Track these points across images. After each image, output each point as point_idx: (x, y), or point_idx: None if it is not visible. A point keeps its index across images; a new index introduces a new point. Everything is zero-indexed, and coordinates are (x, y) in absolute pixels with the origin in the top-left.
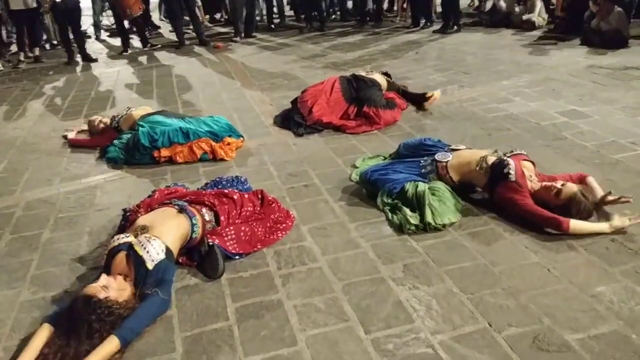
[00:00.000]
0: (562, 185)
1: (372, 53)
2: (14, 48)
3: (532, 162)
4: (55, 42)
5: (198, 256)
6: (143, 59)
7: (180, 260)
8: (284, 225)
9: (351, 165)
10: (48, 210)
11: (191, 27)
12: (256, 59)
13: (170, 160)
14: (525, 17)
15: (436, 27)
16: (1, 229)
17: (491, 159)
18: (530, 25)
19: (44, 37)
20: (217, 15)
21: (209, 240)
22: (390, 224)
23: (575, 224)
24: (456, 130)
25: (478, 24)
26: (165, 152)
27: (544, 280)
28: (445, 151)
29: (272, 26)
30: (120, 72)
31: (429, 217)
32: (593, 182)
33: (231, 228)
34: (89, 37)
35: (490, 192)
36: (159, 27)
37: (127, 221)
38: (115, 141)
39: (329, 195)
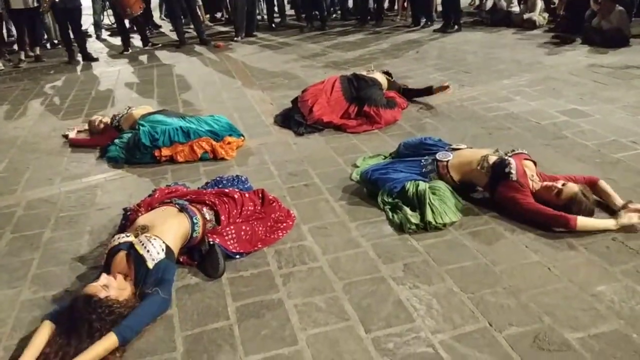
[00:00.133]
0: (563, 185)
1: (373, 52)
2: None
3: (534, 162)
4: (56, 41)
5: (199, 255)
6: (144, 58)
7: (180, 260)
8: (284, 224)
9: (352, 164)
10: (49, 210)
11: (192, 26)
12: (257, 58)
13: (171, 160)
14: (526, 16)
15: (437, 26)
16: (2, 228)
17: (492, 158)
18: (531, 24)
19: (45, 36)
20: (218, 15)
21: (210, 240)
22: (390, 223)
23: (582, 221)
24: (457, 130)
25: (479, 23)
26: (166, 152)
27: (545, 279)
28: (446, 150)
29: (273, 25)
30: (121, 72)
31: (429, 217)
32: (606, 186)
33: (232, 227)
34: (90, 36)
35: (491, 192)
36: (159, 27)
37: (128, 220)
38: (116, 140)
39: (329, 194)
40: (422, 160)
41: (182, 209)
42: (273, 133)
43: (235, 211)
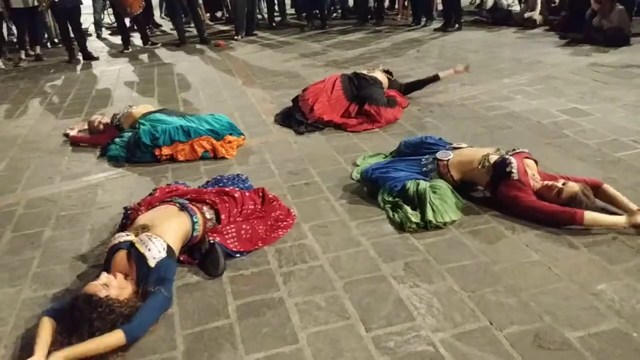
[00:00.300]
0: (564, 184)
1: (373, 51)
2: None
3: (535, 160)
4: (56, 40)
5: (199, 254)
6: (144, 57)
7: (181, 259)
8: (284, 223)
9: (352, 163)
10: (49, 208)
11: (192, 25)
12: (257, 57)
13: (172, 159)
14: (526, 14)
15: (437, 25)
16: (3, 227)
17: (493, 157)
18: (532, 23)
19: (45, 35)
20: (218, 14)
21: (210, 239)
22: (391, 222)
23: (590, 215)
24: (457, 129)
25: (479, 22)
26: (166, 150)
27: (545, 278)
28: (447, 149)
29: (273, 24)
30: (121, 71)
31: (429, 215)
32: (610, 189)
33: (232, 226)
34: (90, 35)
35: (492, 191)
36: (160, 25)
37: (129, 219)
38: (117, 139)
39: (329, 193)
40: (423, 159)
41: (182, 208)
42: (273, 132)
43: (235, 210)
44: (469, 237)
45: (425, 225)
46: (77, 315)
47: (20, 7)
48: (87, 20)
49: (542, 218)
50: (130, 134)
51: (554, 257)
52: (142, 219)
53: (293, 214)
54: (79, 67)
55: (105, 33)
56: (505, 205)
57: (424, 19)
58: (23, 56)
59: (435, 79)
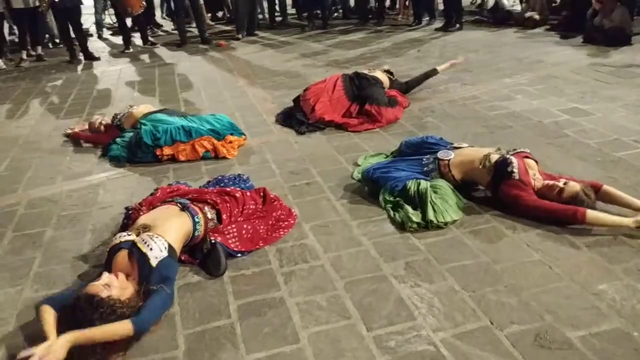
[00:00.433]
0: (565, 183)
1: (374, 51)
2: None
3: (535, 160)
4: (57, 40)
5: (200, 254)
6: (145, 57)
7: (182, 258)
8: (286, 223)
9: (353, 163)
10: (51, 208)
11: (193, 25)
12: (258, 57)
13: (173, 159)
14: (527, 14)
15: (438, 25)
16: (4, 227)
17: (494, 157)
18: (533, 23)
19: (47, 35)
20: (219, 14)
21: (211, 238)
22: (392, 222)
23: (592, 214)
24: (458, 128)
25: (480, 21)
26: (167, 151)
27: (546, 278)
28: (448, 149)
29: (274, 24)
30: (123, 71)
31: (430, 215)
32: (611, 189)
33: (233, 226)
34: (91, 35)
35: (493, 190)
36: (161, 26)
37: (130, 219)
38: (118, 139)
39: (331, 193)
40: (424, 159)
41: (183, 208)
42: (274, 132)
43: (236, 210)
44: (469, 236)
45: (426, 225)
46: (78, 316)
47: (21, 8)
48: (88, 20)
49: (544, 216)
50: (131, 134)
51: (555, 257)
52: (144, 219)
53: (294, 213)
54: (80, 67)
55: (106, 33)
56: (507, 204)
57: (427, 17)
58: (24, 56)
59: (434, 72)
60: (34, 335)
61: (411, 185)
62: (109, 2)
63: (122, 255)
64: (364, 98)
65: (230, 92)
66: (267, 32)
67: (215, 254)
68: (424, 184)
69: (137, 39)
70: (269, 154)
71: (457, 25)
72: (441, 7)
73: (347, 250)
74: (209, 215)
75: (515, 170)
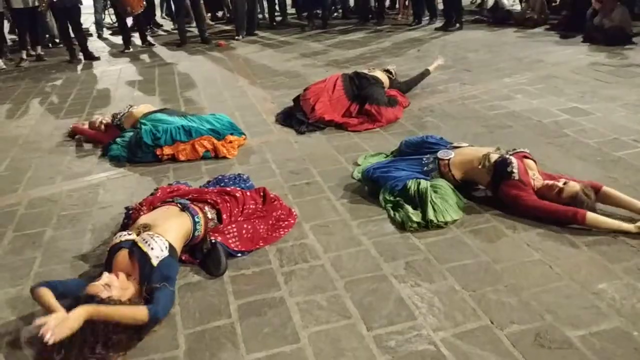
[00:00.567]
0: (564, 184)
1: (374, 51)
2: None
3: (534, 160)
4: (57, 40)
5: (200, 254)
6: (145, 57)
7: (182, 258)
8: (286, 222)
9: (353, 162)
10: (51, 208)
11: (193, 24)
12: (258, 56)
13: (173, 158)
14: (527, 14)
15: (438, 24)
16: (4, 226)
17: (494, 157)
18: (533, 22)
19: (47, 35)
20: (219, 14)
21: (212, 238)
22: (392, 222)
23: (592, 216)
24: (458, 128)
25: (480, 21)
26: (167, 150)
27: (546, 277)
28: (448, 149)
29: (274, 24)
30: (122, 70)
31: (430, 215)
32: (611, 190)
33: (233, 226)
34: (91, 35)
35: (493, 190)
36: (161, 25)
37: (130, 219)
38: (118, 139)
39: (331, 193)
40: (424, 159)
41: (183, 208)
42: (274, 132)
43: (236, 210)
44: (470, 236)
45: (426, 225)
46: None
47: (21, 7)
48: (88, 20)
49: (543, 217)
50: (131, 133)
51: (555, 256)
52: (144, 219)
53: (294, 213)
54: (79, 67)
55: (106, 33)
56: (507, 204)
57: (426, 17)
58: (24, 56)
59: (427, 72)
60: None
61: (411, 184)
62: (108, 2)
63: (123, 255)
64: (363, 98)
65: (230, 91)
66: (267, 32)
67: (215, 253)
68: (424, 183)
69: (137, 38)
70: (269, 153)
71: (457, 25)
72: (441, 6)
73: (347, 250)
74: (209, 215)
75: (515, 170)
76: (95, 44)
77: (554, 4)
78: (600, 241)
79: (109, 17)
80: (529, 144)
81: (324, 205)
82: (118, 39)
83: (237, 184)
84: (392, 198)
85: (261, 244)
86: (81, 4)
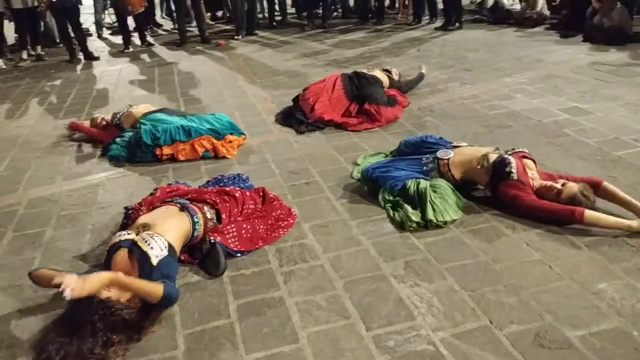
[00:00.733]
0: (563, 185)
1: (374, 50)
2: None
3: (533, 160)
4: (57, 40)
5: (200, 254)
6: (145, 56)
7: (182, 258)
8: (285, 222)
9: (353, 162)
10: (50, 208)
11: (193, 24)
12: (258, 56)
13: (172, 158)
14: (527, 13)
15: (438, 24)
16: (4, 226)
17: (493, 157)
18: (533, 22)
19: (47, 35)
20: (219, 13)
21: (211, 238)
22: (391, 221)
23: (591, 214)
24: (458, 128)
25: (480, 20)
26: (167, 150)
27: (546, 277)
28: (447, 148)
29: (274, 24)
30: (122, 70)
31: (430, 214)
32: (610, 186)
33: (233, 226)
34: (90, 35)
35: (492, 190)
36: (161, 25)
37: (129, 219)
38: (117, 139)
39: (330, 192)
40: (423, 159)
41: (183, 208)
42: (274, 131)
43: (236, 210)
44: (469, 236)
45: (426, 225)
46: (78, 317)
47: (20, 7)
48: (87, 20)
49: (543, 216)
50: (131, 133)
51: (555, 256)
52: (143, 218)
53: (294, 213)
54: (79, 67)
55: (105, 33)
56: (506, 204)
57: (427, 17)
58: (24, 56)
59: (423, 75)
60: (35, 334)
61: (411, 184)
62: (108, 2)
63: (122, 255)
64: (363, 97)
65: (230, 91)
66: (266, 32)
67: (214, 253)
68: (424, 183)
69: (136, 38)
70: (268, 153)
71: (457, 25)
72: (441, 6)
73: (346, 250)
74: (209, 215)
75: (514, 170)
76: (95, 44)
77: (553, 4)
78: (601, 241)
79: (109, 17)
80: (529, 143)
81: (323, 205)
82: (118, 39)
83: (236, 183)
84: (391, 198)
85: (260, 244)
86: (81, 4)
